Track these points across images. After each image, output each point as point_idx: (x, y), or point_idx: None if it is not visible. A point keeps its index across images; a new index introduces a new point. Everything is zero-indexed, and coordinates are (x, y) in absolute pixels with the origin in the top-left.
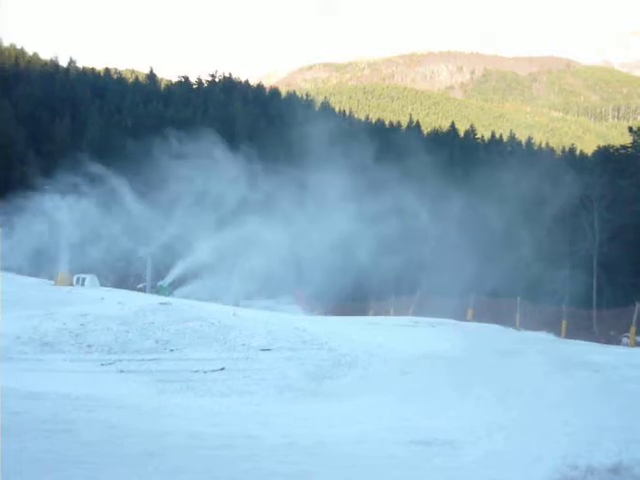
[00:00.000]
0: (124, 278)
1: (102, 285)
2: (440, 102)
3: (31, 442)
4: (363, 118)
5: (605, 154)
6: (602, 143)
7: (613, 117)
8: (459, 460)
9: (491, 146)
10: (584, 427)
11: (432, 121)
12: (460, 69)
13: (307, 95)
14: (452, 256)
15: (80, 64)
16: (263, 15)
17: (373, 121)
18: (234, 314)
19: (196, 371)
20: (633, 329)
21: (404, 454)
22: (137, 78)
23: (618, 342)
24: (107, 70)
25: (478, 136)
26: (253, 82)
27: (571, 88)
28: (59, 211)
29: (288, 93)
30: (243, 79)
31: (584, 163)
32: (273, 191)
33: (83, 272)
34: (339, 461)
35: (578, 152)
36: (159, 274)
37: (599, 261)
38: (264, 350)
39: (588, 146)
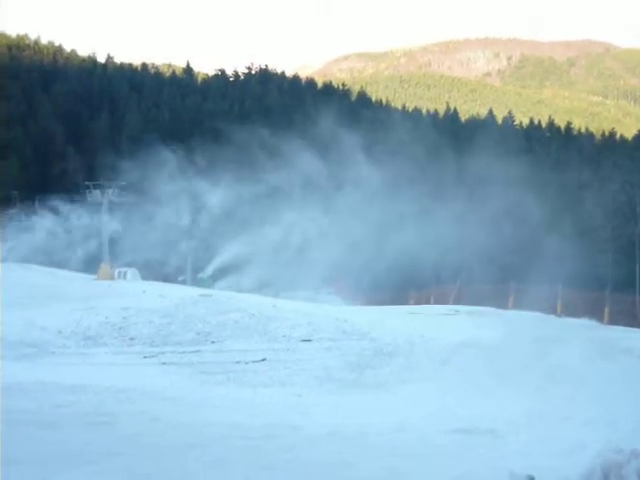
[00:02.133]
0: (165, 271)
1: (143, 278)
2: (477, 89)
3: (73, 435)
4: (400, 107)
5: None
6: None
7: None
8: (501, 449)
9: (530, 132)
10: (627, 414)
11: (470, 108)
12: (497, 55)
13: (343, 85)
14: (491, 244)
15: (117, 60)
16: (298, 5)
17: (410, 110)
18: (274, 305)
19: (237, 362)
20: None
21: (445, 443)
22: (174, 72)
23: None
24: (144, 65)
25: (516, 122)
26: (289, 73)
27: (610, 72)
28: (99, 206)
29: (324, 83)
30: (279, 71)
31: (625, 147)
32: (312, 181)
33: (125, 266)
34: (380, 450)
35: (618, 136)
36: (200, 266)
37: None
38: (305, 341)
39: (628, 130)
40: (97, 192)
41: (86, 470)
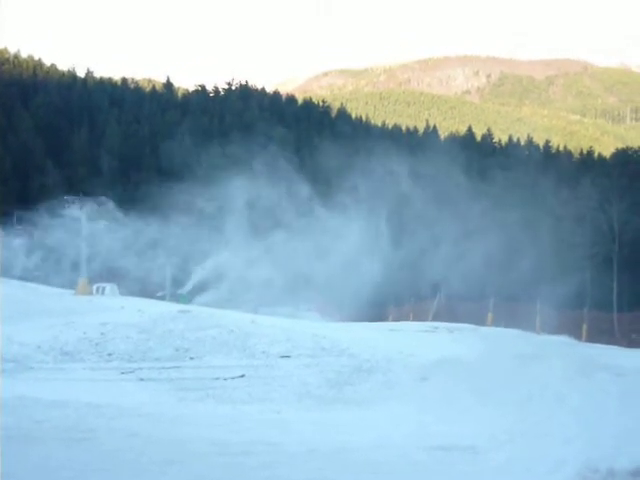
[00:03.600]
0: (144, 286)
1: (122, 294)
2: (457, 106)
3: (54, 450)
4: (380, 124)
5: (623, 156)
6: (620, 145)
7: (631, 119)
8: (481, 466)
9: (509, 150)
10: (607, 432)
11: (449, 125)
12: (476, 73)
13: (323, 102)
14: (471, 261)
15: (97, 74)
16: (278, 22)
17: (390, 127)
18: (253, 321)
19: (216, 378)
20: None
21: (425, 460)
22: (154, 87)
23: None
24: (124, 80)
25: (495, 140)
26: (269, 89)
27: (588, 91)
28: (78, 220)
29: (304, 100)
30: (259, 86)
31: (603, 166)
32: (292, 200)
33: (103, 281)
34: (360, 467)
35: (596, 155)
36: (178, 282)
37: (619, 263)
38: (283, 357)
39: (606, 148)
40: (76, 206)
41: None
